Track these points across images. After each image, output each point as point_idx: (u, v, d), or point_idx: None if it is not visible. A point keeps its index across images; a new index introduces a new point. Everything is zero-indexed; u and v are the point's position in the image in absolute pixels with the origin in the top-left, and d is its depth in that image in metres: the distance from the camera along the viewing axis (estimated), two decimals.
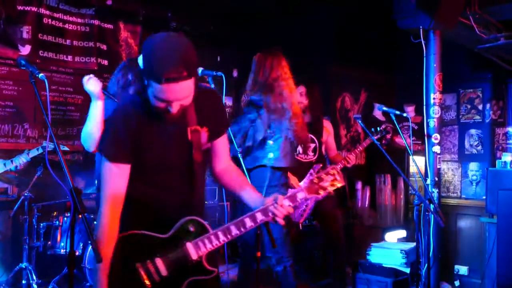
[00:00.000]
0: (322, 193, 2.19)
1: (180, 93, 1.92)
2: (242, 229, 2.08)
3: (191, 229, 2.07)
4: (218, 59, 6.88)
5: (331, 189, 2.21)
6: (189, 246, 2.05)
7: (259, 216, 2.09)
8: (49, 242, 4.48)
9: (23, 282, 4.31)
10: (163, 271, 2.02)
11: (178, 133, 2.10)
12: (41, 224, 4.48)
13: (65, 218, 4.55)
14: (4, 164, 3.74)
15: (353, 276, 4.64)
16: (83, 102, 5.80)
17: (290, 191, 2.25)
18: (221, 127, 2.28)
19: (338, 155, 4.95)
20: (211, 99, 2.24)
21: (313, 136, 4.77)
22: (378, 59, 6.47)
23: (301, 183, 3.91)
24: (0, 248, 4.78)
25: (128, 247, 2.07)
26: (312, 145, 4.74)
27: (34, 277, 4.26)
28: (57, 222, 4.53)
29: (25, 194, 4.32)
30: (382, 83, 6.66)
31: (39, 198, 4.50)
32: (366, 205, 6.29)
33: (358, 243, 6.04)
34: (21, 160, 3.82)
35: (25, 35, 5.26)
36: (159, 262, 2.02)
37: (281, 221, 2.09)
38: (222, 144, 2.30)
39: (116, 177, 2.09)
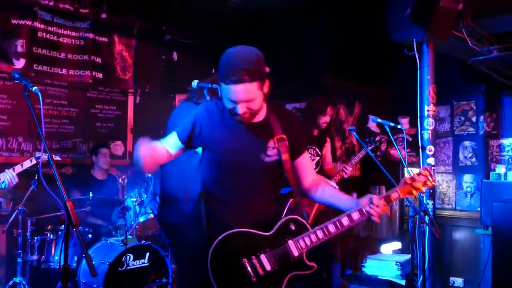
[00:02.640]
0: (415, 193, 2.29)
1: (243, 94, 2.12)
2: (340, 228, 2.22)
3: (292, 227, 2.24)
4: (213, 71, 6.90)
5: (423, 188, 2.31)
6: (291, 243, 2.22)
7: (356, 216, 2.23)
8: (43, 256, 4.46)
9: None
10: (267, 266, 2.19)
11: (255, 137, 2.26)
12: (35, 238, 4.45)
13: (59, 232, 4.53)
14: None
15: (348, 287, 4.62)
16: (78, 115, 5.81)
17: (386, 192, 2.32)
18: (302, 146, 2.42)
19: (333, 168, 4.97)
20: (289, 117, 2.42)
21: (318, 150, 4.76)
22: (372, 71, 6.51)
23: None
24: None
25: (234, 244, 2.22)
26: (316, 158, 4.74)
27: None
28: (51, 236, 4.50)
29: (19, 208, 4.29)
30: (376, 95, 6.69)
31: (33, 211, 4.47)
32: None
33: (353, 255, 6.03)
34: (8, 176, 3.77)
35: (19, 49, 5.26)
36: (263, 258, 2.20)
37: (376, 220, 2.22)
38: (305, 161, 2.43)
39: (168, 142, 2.43)
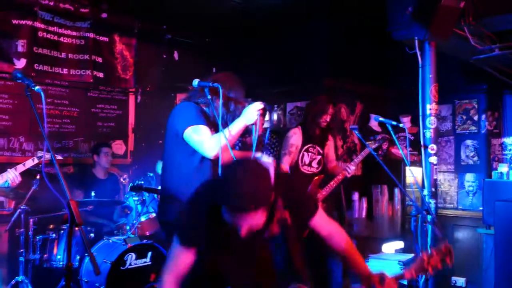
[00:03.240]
0: (431, 270, 2.21)
1: (248, 222, 1.98)
2: None
3: None
4: (214, 70, 6.90)
5: (440, 266, 2.23)
6: None
7: None
8: (46, 255, 4.45)
9: None
10: None
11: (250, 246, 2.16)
12: (37, 237, 4.45)
13: (61, 231, 4.53)
14: None
15: (351, 287, 4.61)
16: (79, 114, 5.81)
17: (400, 272, 2.28)
18: (313, 210, 2.35)
19: (337, 166, 4.96)
20: (295, 191, 2.32)
21: (319, 149, 4.77)
22: (373, 70, 6.50)
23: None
24: None
25: None
26: (318, 157, 4.74)
27: None
28: (54, 235, 4.50)
29: (22, 207, 4.29)
30: (378, 94, 6.68)
31: (35, 211, 4.47)
32: (363, 216, 6.28)
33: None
34: (11, 175, 3.77)
35: (20, 49, 5.26)
36: None
37: None
38: (319, 219, 2.37)
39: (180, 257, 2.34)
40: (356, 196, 6.31)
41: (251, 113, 2.91)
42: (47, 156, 3.61)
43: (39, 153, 4.00)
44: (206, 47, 6.77)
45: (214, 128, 3.00)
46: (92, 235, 4.66)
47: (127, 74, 6.17)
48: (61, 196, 2.21)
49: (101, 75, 5.91)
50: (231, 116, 3.06)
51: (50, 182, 2.30)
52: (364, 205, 6.31)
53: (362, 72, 6.31)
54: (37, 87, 2.48)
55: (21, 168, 3.87)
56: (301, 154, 4.74)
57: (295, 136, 4.75)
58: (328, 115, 4.74)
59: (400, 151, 3.84)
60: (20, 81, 2.51)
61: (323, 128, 4.77)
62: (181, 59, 6.76)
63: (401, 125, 3.88)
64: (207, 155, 2.90)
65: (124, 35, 6.14)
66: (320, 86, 6.18)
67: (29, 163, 3.92)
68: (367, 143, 4.31)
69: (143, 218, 4.79)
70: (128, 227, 4.72)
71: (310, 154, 4.75)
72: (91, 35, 5.82)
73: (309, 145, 4.74)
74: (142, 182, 4.18)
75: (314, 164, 4.74)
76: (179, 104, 3.21)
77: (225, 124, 3.00)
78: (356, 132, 4.01)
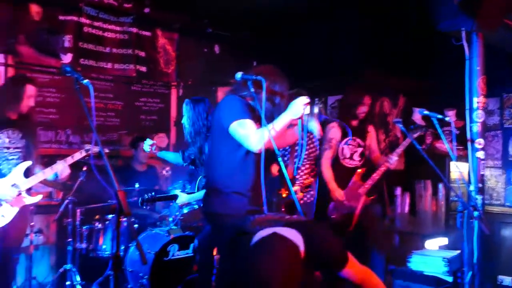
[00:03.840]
0: None
1: None
2: None
3: None
4: (254, 63, 6.90)
5: None
6: None
7: None
8: (91, 245, 4.57)
9: (67, 283, 4.40)
10: None
11: None
12: (84, 227, 4.58)
13: (107, 222, 4.64)
14: (43, 173, 3.83)
15: (393, 283, 4.54)
16: (123, 108, 5.93)
17: None
18: (343, 260, 2.25)
19: (380, 156, 4.88)
20: (322, 246, 2.21)
21: (359, 141, 4.71)
22: (417, 63, 6.36)
23: None
24: (46, 251, 4.91)
25: None
26: (359, 150, 4.68)
27: (78, 278, 4.34)
28: (99, 225, 4.61)
29: (69, 198, 4.42)
30: (422, 87, 6.54)
31: (82, 201, 4.60)
32: (406, 212, 6.18)
33: (396, 250, 5.93)
34: (60, 167, 3.90)
35: (66, 44, 5.40)
36: None
37: None
38: (351, 267, 2.27)
39: None
40: (398, 191, 6.22)
41: (297, 107, 2.87)
42: (95, 148, 3.72)
43: (87, 146, 4.09)
44: (247, 41, 6.77)
45: (259, 122, 3.00)
46: (136, 226, 4.75)
47: (169, 68, 6.26)
48: (109, 187, 2.25)
49: (144, 69, 6.01)
50: (277, 109, 3.04)
51: (99, 174, 2.36)
52: (407, 200, 6.20)
53: (405, 65, 6.18)
54: (85, 81, 2.55)
55: (70, 160, 3.99)
56: (341, 147, 4.68)
57: (333, 130, 4.69)
58: (365, 106, 4.65)
59: (446, 145, 3.75)
60: (69, 75, 2.58)
61: (361, 119, 4.70)
62: (222, 52, 6.80)
63: (447, 118, 3.79)
64: (252, 149, 2.90)
65: (166, 30, 6.23)
66: (362, 79, 6.09)
67: (78, 155, 4.03)
68: (409, 132, 4.24)
69: (185, 210, 4.84)
70: (170, 219, 4.78)
71: (350, 147, 4.68)
72: (134, 30, 5.92)
73: (348, 138, 4.67)
74: (153, 194, 4.24)
75: (356, 157, 4.68)
76: (225, 97, 3.22)
77: (271, 118, 2.98)
78: (400, 125, 3.94)
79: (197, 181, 4.53)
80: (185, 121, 4.02)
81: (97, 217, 4.67)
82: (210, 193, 3.13)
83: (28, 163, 3.78)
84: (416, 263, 4.45)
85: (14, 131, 3.72)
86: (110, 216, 4.64)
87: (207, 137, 3.87)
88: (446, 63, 5.01)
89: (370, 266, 4.71)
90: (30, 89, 3.81)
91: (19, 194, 3.67)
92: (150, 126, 6.15)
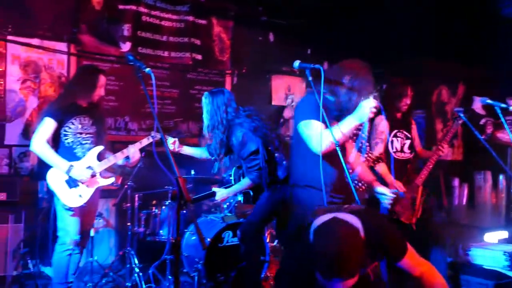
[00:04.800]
0: None
1: (342, 286, 1.92)
2: None
3: None
4: (309, 51, 6.87)
5: None
6: None
7: None
8: (149, 229, 4.70)
9: (127, 266, 4.55)
10: None
11: None
12: (142, 212, 4.71)
13: (163, 207, 4.75)
14: (115, 157, 3.97)
15: (457, 278, 4.43)
16: (179, 96, 6.03)
17: None
18: (402, 251, 2.22)
19: (424, 149, 4.75)
20: (383, 233, 2.20)
21: (407, 133, 4.60)
22: (477, 50, 6.14)
23: None
24: (105, 234, 5.09)
25: None
26: (408, 142, 4.58)
27: (136, 261, 4.48)
28: (156, 210, 4.74)
29: (128, 183, 4.56)
30: (482, 75, 6.31)
31: (140, 187, 4.73)
32: (463, 203, 6.01)
33: (453, 242, 5.79)
34: (131, 151, 4.04)
35: (125, 33, 5.54)
36: None
37: None
38: (409, 258, 2.24)
39: None
40: (456, 182, 6.05)
41: (364, 110, 2.77)
42: (158, 136, 3.82)
43: (152, 133, 4.19)
44: (301, 29, 6.72)
45: (337, 118, 2.96)
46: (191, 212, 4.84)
47: (224, 56, 6.30)
48: (170, 173, 2.30)
49: (199, 57, 6.09)
50: (352, 105, 2.97)
51: (154, 159, 2.43)
52: (465, 191, 6.03)
53: (465, 52, 5.98)
54: (148, 69, 2.60)
55: (138, 145, 4.11)
56: (390, 140, 4.54)
57: (383, 123, 4.53)
58: (408, 98, 4.52)
59: (510, 135, 3.61)
60: (132, 63, 2.65)
61: (404, 112, 4.55)
62: (276, 41, 6.78)
63: (511, 108, 3.64)
64: (314, 150, 2.88)
65: (221, 18, 6.27)
66: (420, 67, 5.94)
67: (145, 141, 4.14)
68: (455, 119, 4.09)
69: (240, 197, 4.90)
70: (225, 206, 4.85)
71: (399, 139, 4.55)
72: (190, 18, 6.00)
73: (396, 131, 4.54)
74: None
75: (406, 149, 4.54)
76: (305, 96, 3.22)
77: (347, 112, 2.92)
78: (462, 115, 3.82)
79: (232, 174, 4.56)
80: (204, 115, 3.96)
81: (154, 202, 4.80)
82: (294, 187, 3.14)
83: (101, 147, 3.94)
84: (475, 256, 4.34)
85: (85, 118, 3.86)
86: (167, 202, 4.74)
87: (227, 130, 3.85)
88: (509, 50, 4.81)
89: (430, 260, 4.64)
90: (102, 79, 3.94)
91: (94, 175, 3.83)
92: None
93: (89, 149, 3.89)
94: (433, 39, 5.97)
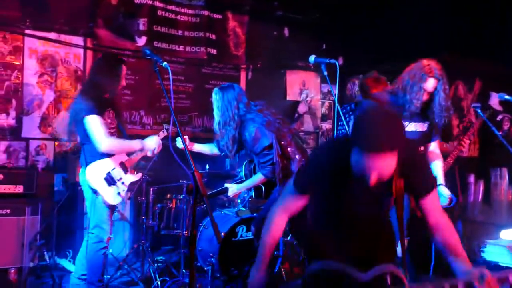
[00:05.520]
0: None
1: (380, 166, 1.96)
2: None
3: (389, 280, 2.12)
4: (324, 46, 6.84)
5: None
6: None
7: (460, 286, 1.96)
8: (163, 223, 4.73)
9: (140, 258, 4.58)
10: None
11: (376, 189, 2.10)
12: (157, 206, 4.74)
13: (177, 201, 4.77)
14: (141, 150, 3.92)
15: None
16: (193, 90, 6.04)
17: (503, 272, 2.02)
18: (427, 188, 2.24)
19: (445, 144, 4.70)
20: (417, 163, 2.23)
21: None
22: (494, 45, 6.06)
23: None
24: (120, 226, 5.13)
25: (328, 278, 2.21)
26: None
27: (150, 254, 4.50)
28: (170, 204, 4.76)
29: (143, 177, 4.57)
30: (499, 71, 6.23)
31: (154, 181, 4.75)
32: (479, 200, 5.96)
33: (467, 239, 5.75)
34: (154, 142, 3.99)
35: (141, 27, 5.57)
36: None
37: None
38: (430, 202, 2.25)
39: (292, 199, 2.33)
40: (472, 178, 6.00)
41: None
42: (173, 129, 3.78)
43: (166, 126, 4.19)
44: (316, 24, 6.69)
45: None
46: (205, 206, 4.86)
47: (239, 50, 6.30)
48: (186, 167, 2.30)
49: (214, 51, 6.10)
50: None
51: (169, 153, 2.43)
52: (481, 188, 5.98)
53: (481, 47, 5.91)
54: (165, 63, 2.60)
55: (158, 138, 4.07)
56: None
57: None
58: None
59: None
60: (149, 57, 2.65)
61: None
62: (291, 35, 6.76)
63: None
64: None
65: (236, 13, 6.27)
66: (437, 61, 5.86)
67: (161, 135, 4.12)
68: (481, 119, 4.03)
69: (253, 192, 4.91)
70: (239, 200, 4.86)
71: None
72: (206, 12, 6.00)
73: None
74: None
75: None
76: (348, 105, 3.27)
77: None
78: (479, 110, 3.78)
79: (243, 169, 4.56)
80: (214, 111, 3.91)
81: (168, 196, 4.82)
82: None
83: None
84: (490, 253, 4.30)
85: (110, 111, 3.74)
86: (181, 196, 4.76)
87: (239, 125, 3.81)
88: None
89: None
90: (124, 69, 3.83)
91: (126, 172, 3.78)
92: None
93: None
94: (449, 35, 5.90)
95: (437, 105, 3.44)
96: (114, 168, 3.67)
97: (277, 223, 2.34)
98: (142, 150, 3.78)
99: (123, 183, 3.73)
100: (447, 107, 3.45)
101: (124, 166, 3.76)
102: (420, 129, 3.55)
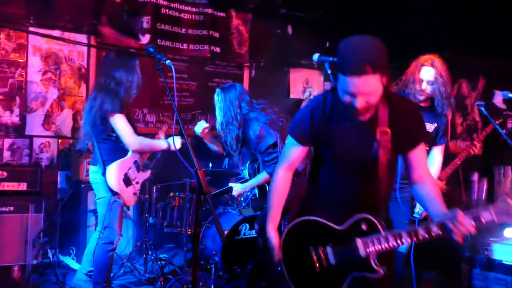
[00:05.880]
0: None
1: (363, 87, 1.99)
2: (414, 239, 2.04)
3: (363, 227, 2.14)
4: (327, 44, 6.82)
5: None
6: (359, 242, 2.12)
7: (434, 230, 2.01)
8: (166, 221, 4.72)
9: (144, 255, 4.59)
10: (332, 259, 2.16)
11: (366, 131, 2.16)
12: (160, 204, 4.74)
13: (180, 199, 4.77)
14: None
15: (469, 272, 4.41)
16: (197, 88, 6.04)
17: (475, 210, 2.01)
18: (415, 138, 2.25)
19: (455, 144, 4.69)
20: (408, 109, 2.26)
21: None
22: (498, 43, 6.04)
23: None
24: (124, 225, 5.13)
25: (305, 231, 2.25)
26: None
27: (153, 252, 4.50)
28: (173, 202, 4.76)
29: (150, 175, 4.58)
30: (503, 69, 6.22)
31: (158, 179, 4.76)
32: (483, 198, 5.95)
33: (472, 237, 5.74)
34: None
35: (145, 25, 5.57)
36: (329, 250, 2.17)
37: (459, 239, 1.95)
38: (416, 156, 2.26)
39: (292, 152, 2.38)
40: (475, 177, 5.98)
41: None
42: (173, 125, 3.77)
43: (165, 125, 4.19)
44: (320, 22, 6.68)
45: None
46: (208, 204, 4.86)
47: (242, 49, 6.30)
48: (189, 165, 2.30)
49: (217, 50, 6.09)
50: None
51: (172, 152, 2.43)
52: (484, 186, 5.96)
53: (485, 45, 5.89)
54: (168, 61, 2.60)
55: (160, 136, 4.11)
56: None
57: None
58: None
59: None
60: (152, 55, 2.65)
61: None
62: (295, 33, 6.75)
63: None
64: None
65: (240, 10, 6.27)
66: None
67: (164, 128, 4.11)
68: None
69: (257, 191, 4.90)
70: (242, 198, 4.86)
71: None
72: (209, 10, 6.00)
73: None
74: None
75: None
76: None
77: None
78: (483, 109, 3.76)
79: (246, 168, 4.55)
80: (217, 112, 3.90)
81: (171, 194, 4.82)
82: None
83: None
84: (495, 251, 4.29)
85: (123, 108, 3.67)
86: (183, 194, 4.76)
87: (243, 124, 3.81)
88: None
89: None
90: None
91: (139, 171, 3.77)
92: None
93: None
94: (452, 33, 5.89)
95: (437, 93, 3.42)
96: (130, 167, 3.66)
97: (282, 182, 2.40)
98: (167, 149, 3.74)
99: (137, 182, 3.73)
100: (447, 94, 3.41)
101: (137, 165, 3.75)
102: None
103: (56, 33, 5.10)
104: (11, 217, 4.28)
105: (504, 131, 5.27)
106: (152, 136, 4.15)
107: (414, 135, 2.23)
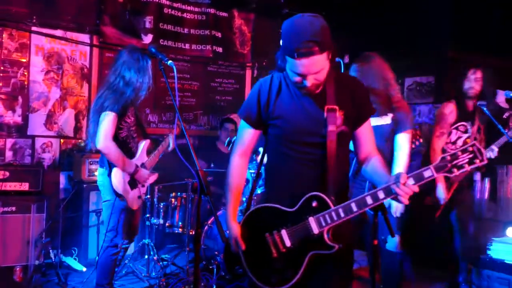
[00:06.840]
0: (456, 171, 1.96)
1: (312, 67, 2.01)
2: (363, 207, 2.04)
3: (314, 204, 2.13)
4: None
5: (468, 167, 1.95)
6: (311, 220, 2.12)
7: (381, 195, 2.02)
8: (168, 221, 4.72)
9: (145, 256, 4.59)
10: (287, 242, 2.15)
11: (315, 109, 2.17)
12: (161, 204, 4.74)
13: (182, 200, 4.77)
14: (158, 150, 3.89)
15: (472, 271, 4.40)
16: (199, 88, 6.04)
17: (418, 171, 2.01)
18: (362, 114, 2.25)
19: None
20: (353, 85, 2.27)
21: (469, 127, 4.38)
22: (501, 42, 6.01)
23: None
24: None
25: (260, 219, 2.24)
26: (464, 136, 4.36)
27: (155, 252, 4.50)
28: (175, 202, 4.76)
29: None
30: (506, 67, 6.19)
31: (159, 179, 4.74)
32: (485, 197, 5.92)
33: (475, 237, 5.72)
34: (169, 140, 3.99)
35: (147, 25, 5.57)
36: (284, 233, 2.16)
37: (404, 201, 1.98)
38: (364, 133, 2.27)
39: (245, 136, 2.36)
40: (478, 176, 5.95)
41: None
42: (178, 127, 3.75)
43: (171, 125, 4.19)
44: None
45: None
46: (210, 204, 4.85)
47: (244, 48, 6.30)
48: (190, 166, 2.30)
49: (220, 50, 6.09)
50: None
51: (175, 152, 2.42)
52: (487, 185, 5.94)
53: (489, 43, 5.87)
54: (170, 62, 2.60)
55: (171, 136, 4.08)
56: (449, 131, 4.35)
57: (453, 114, 4.30)
58: (478, 83, 4.31)
59: None
60: (154, 55, 2.65)
61: (474, 102, 4.31)
62: None
63: None
64: None
65: (242, 10, 6.27)
66: (442, 59, 5.84)
67: (173, 133, 4.11)
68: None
69: (259, 191, 4.90)
70: (244, 199, 4.85)
71: (458, 132, 4.35)
72: (212, 10, 6.00)
73: (461, 123, 4.34)
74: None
75: (460, 142, 4.36)
76: None
77: None
78: (485, 109, 3.75)
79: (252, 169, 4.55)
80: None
81: (173, 194, 4.82)
82: None
83: (148, 141, 3.82)
84: (497, 251, 4.28)
85: (132, 108, 3.64)
86: (185, 194, 4.76)
87: None
88: None
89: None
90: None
91: (152, 177, 3.76)
92: (224, 107, 6.24)
93: (136, 143, 3.72)
94: (454, 31, 5.87)
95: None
96: None
97: (238, 169, 2.37)
98: (133, 174, 3.58)
99: (143, 185, 3.70)
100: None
101: (145, 168, 3.73)
102: (383, 123, 3.42)
103: (58, 32, 5.11)
104: (13, 217, 4.29)
105: (507, 130, 5.27)
106: (155, 136, 4.15)
107: (360, 111, 2.23)
